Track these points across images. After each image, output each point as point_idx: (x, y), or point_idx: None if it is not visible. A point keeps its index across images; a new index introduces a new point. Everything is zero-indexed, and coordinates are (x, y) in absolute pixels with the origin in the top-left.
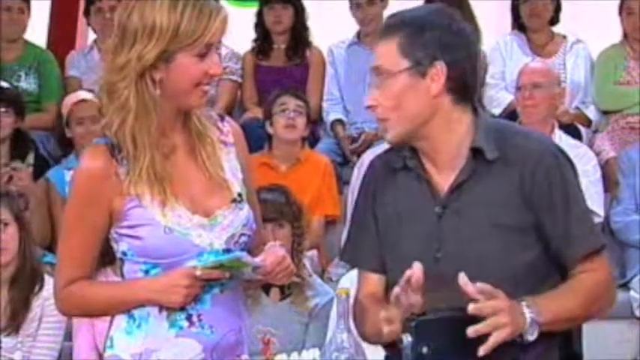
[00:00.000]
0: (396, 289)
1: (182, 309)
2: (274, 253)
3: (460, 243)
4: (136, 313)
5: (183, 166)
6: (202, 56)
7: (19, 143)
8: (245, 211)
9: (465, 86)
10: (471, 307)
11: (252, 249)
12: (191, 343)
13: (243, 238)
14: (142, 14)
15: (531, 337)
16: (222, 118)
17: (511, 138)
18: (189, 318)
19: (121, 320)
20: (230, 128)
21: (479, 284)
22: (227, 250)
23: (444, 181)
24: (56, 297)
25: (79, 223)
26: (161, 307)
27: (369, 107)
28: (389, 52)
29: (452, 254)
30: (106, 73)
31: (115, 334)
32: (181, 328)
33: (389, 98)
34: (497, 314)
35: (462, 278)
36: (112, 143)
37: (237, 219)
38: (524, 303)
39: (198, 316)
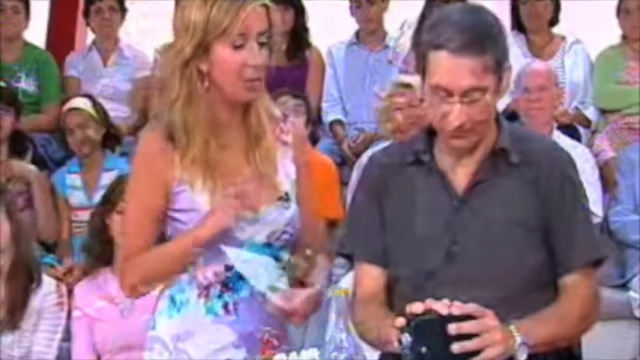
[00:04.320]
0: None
1: (219, 296)
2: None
3: (477, 239)
4: (177, 297)
5: (236, 161)
6: (239, 47)
7: (17, 143)
8: (290, 211)
9: None
10: (456, 327)
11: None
12: (226, 330)
13: (285, 236)
14: (182, 15)
15: (521, 358)
16: (285, 118)
17: (528, 141)
18: (225, 306)
19: (163, 304)
20: (291, 128)
21: (467, 306)
22: (267, 245)
23: (459, 177)
24: (120, 274)
25: (142, 196)
26: (200, 294)
27: (460, 128)
28: (482, 69)
29: (468, 250)
30: (159, 71)
31: (158, 317)
32: (217, 314)
33: (486, 113)
34: (490, 332)
35: (445, 302)
36: (166, 129)
37: (281, 217)
38: (512, 326)
39: (234, 304)
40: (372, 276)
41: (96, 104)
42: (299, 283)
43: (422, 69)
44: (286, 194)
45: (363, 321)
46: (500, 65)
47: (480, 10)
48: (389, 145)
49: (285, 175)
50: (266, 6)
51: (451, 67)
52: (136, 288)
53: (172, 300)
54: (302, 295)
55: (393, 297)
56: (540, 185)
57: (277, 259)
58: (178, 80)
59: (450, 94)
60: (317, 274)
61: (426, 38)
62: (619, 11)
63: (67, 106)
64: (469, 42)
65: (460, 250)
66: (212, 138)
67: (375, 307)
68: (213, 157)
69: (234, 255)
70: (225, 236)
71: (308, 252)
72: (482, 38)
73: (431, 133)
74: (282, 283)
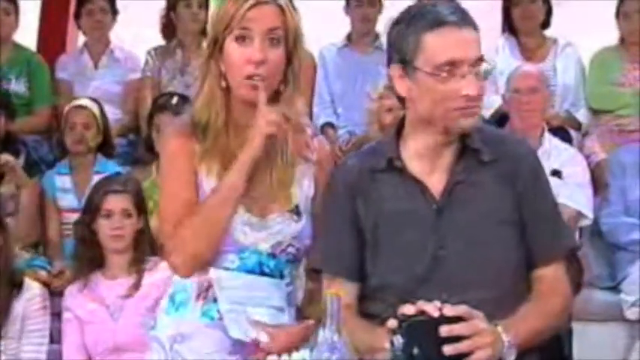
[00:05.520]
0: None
1: (216, 300)
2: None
3: (462, 241)
4: (177, 296)
5: (253, 166)
6: (243, 42)
7: (10, 146)
8: (300, 225)
9: None
10: (448, 329)
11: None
12: (220, 335)
13: (291, 249)
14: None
15: (510, 359)
16: (315, 135)
17: (498, 140)
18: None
19: (164, 302)
20: (318, 147)
21: (458, 308)
22: (272, 255)
23: (433, 180)
24: (169, 258)
25: (173, 193)
26: (198, 295)
27: (477, 98)
28: (478, 42)
29: (455, 253)
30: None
31: (159, 315)
32: (212, 318)
33: (483, 90)
34: (480, 334)
35: (436, 304)
36: (189, 122)
37: (288, 229)
38: (500, 327)
39: None
40: (347, 290)
41: (103, 112)
42: (297, 309)
43: (410, 60)
44: (297, 207)
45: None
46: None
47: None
48: (358, 152)
49: (301, 190)
50: (280, 7)
51: (458, 38)
52: (196, 257)
53: (172, 299)
54: (281, 333)
55: (375, 305)
56: (516, 180)
57: (282, 274)
58: (201, 77)
59: (459, 66)
60: (315, 309)
61: (417, 24)
62: (618, 14)
63: (74, 103)
64: (467, 17)
65: (447, 253)
66: (232, 136)
67: (354, 318)
68: (230, 154)
69: (219, 281)
70: (227, 240)
71: (310, 285)
72: (472, 18)
73: (399, 137)
74: (283, 304)
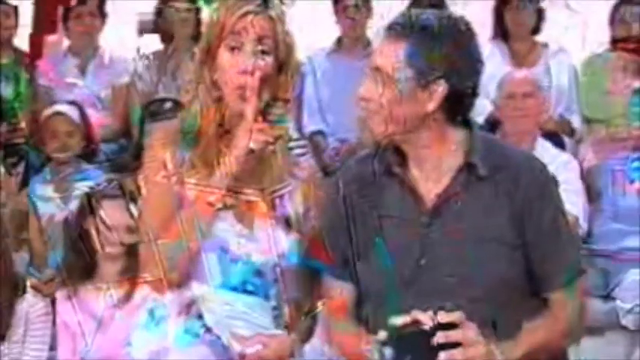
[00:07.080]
0: None
1: (200, 316)
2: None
3: (446, 255)
4: (157, 312)
5: (242, 176)
6: (233, 50)
7: (11, 152)
8: (290, 239)
9: (462, 107)
10: (444, 335)
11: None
12: (205, 351)
13: (280, 265)
14: None
15: None
16: (303, 154)
17: (502, 154)
18: (204, 325)
19: (142, 317)
20: (307, 166)
21: (453, 314)
22: (260, 272)
23: (430, 190)
24: (144, 272)
25: (159, 196)
26: (180, 311)
27: (362, 99)
28: (393, 56)
29: (436, 262)
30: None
31: (135, 332)
32: (197, 335)
33: (383, 97)
34: (474, 345)
35: (429, 312)
36: (179, 127)
37: (278, 237)
38: (492, 345)
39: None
40: (342, 291)
41: (84, 116)
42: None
43: None
44: (287, 220)
45: (335, 335)
46: (418, 70)
47: (437, 16)
48: (362, 156)
49: (292, 206)
50: (270, 17)
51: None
52: (171, 275)
53: (151, 314)
54: (272, 341)
55: (362, 309)
56: (516, 198)
57: (267, 295)
58: (194, 85)
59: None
60: (301, 326)
61: None
62: (613, 19)
63: (52, 109)
64: (390, 26)
65: (429, 264)
66: (223, 147)
67: (342, 322)
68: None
69: (203, 297)
70: (214, 246)
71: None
72: (402, 28)
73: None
74: (271, 324)
